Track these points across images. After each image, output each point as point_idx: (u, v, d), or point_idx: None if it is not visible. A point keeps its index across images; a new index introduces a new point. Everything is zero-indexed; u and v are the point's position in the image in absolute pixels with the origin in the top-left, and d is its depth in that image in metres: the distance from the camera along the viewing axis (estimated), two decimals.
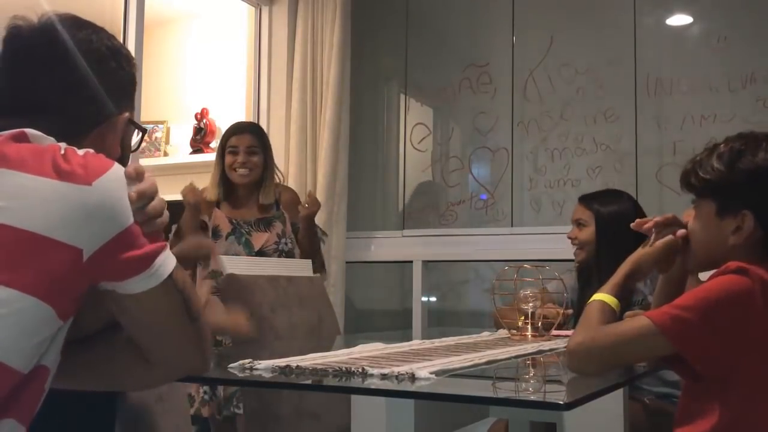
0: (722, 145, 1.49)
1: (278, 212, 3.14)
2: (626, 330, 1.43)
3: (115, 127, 1.20)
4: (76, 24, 1.18)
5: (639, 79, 3.58)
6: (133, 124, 1.25)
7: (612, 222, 2.64)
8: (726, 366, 1.38)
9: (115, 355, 1.19)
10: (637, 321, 1.43)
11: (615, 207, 2.77)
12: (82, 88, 1.15)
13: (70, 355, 1.12)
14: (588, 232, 2.68)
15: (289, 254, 3.09)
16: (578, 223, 2.72)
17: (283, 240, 3.10)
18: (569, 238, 2.74)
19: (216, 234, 3.05)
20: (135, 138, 1.28)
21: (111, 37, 1.22)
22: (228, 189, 3.13)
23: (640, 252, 1.62)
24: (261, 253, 3.03)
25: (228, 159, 3.09)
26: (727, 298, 1.36)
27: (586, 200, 2.81)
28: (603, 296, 1.53)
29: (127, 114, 1.22)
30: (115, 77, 1.20)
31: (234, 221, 3.08)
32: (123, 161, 1.19)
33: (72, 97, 1.15)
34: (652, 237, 1.61)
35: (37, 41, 1.14)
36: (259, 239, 3.07)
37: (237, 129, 3.18)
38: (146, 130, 1.26)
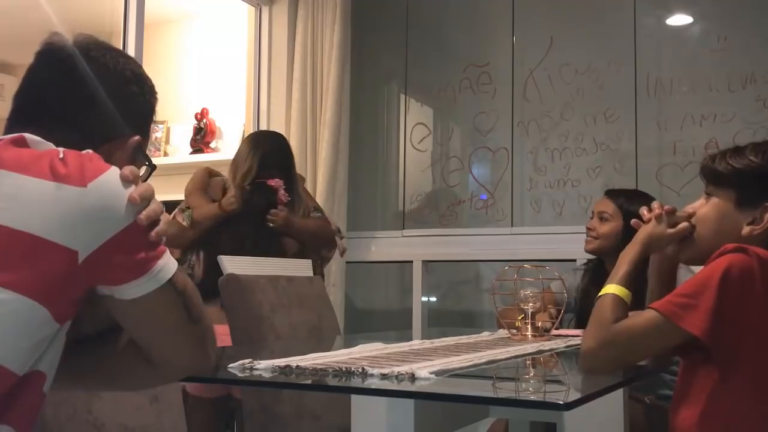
0: (754, 143, 1.54)
1: None
2: (637, 326, 1.44)
3: (123, 146, 1.22)
4: (105, 47, 1.24)
5: (639, 79, 3.58)
6: (143, 155, 1.26)
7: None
8: (735, 341, 1.39)
9: (117, 355, 1.19)
10: (645, 315, 1.43)
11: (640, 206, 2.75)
12: (98, 103, 1.18)
13: (72, 356, 1.12)
14: (608, 227, 2.64)
15: None
16: (601, 217, 2.68)
17: None
18: (588, 228, 2.70)
19: None
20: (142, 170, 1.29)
21: (139, 66, 1.27)
22: None
23: (647, 232, 1.60)
24: None
25: None
26: (731, 275, 1.38)
27: (612, 194, 2.75)
28: (614, 288, 1.52)
29: (138, 137, 1.24)
30: (133, 101, 1.24)
31: None
32: None
33: (87, 111, 1.18)
34: (653, 215, 1.61)
35: (68, 57, 1.19)
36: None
37: None
38: (155, 166, 1.28)
